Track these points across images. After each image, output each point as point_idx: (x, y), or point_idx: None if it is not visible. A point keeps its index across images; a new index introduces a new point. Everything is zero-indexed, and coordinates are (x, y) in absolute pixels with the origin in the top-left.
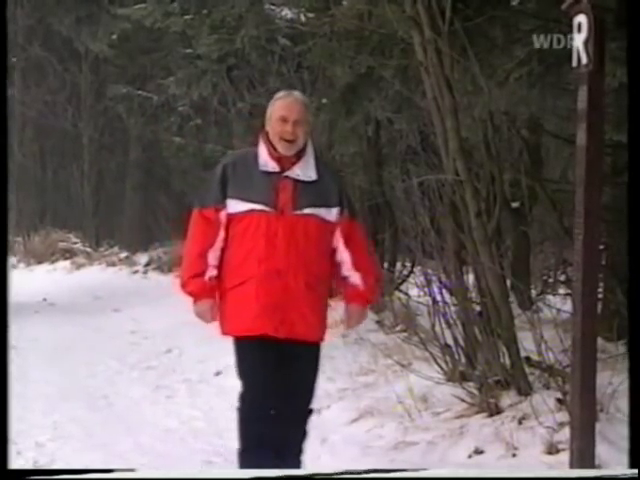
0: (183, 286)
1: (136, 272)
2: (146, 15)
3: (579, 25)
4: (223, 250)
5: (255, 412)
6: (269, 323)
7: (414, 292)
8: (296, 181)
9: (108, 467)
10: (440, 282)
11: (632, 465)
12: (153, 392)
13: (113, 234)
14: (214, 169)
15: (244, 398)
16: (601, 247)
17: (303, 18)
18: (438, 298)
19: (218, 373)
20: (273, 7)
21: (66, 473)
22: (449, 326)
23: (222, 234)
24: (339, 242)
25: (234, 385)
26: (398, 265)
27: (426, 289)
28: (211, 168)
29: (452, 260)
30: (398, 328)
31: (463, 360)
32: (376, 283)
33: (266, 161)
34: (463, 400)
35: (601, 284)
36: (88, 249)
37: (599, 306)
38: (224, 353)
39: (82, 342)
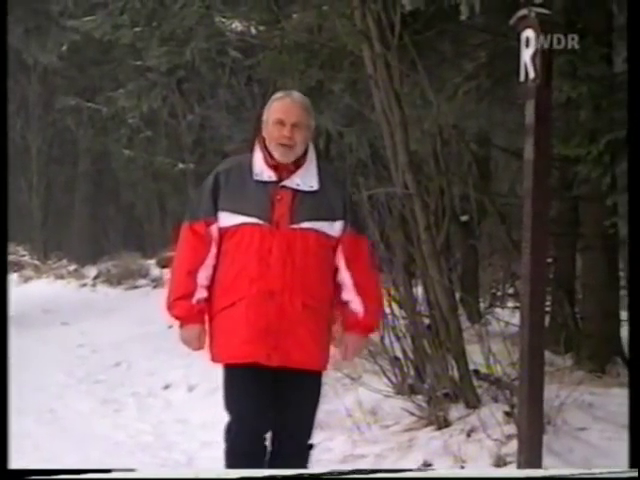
0: (169, 308)
1: (85, 285)
2: (95, 27)
3: (527, 40)
4: (214, 268)
5: (243, 447)
6: (260, 350)
7: None
8: (295, 191)
9: None
10: (389, 295)
11: (632, 465)
12: (101, 406)
13: (62, 246)
14: (206, 178)
15: (231, 429)
16: (549, 260)
17: (253, 31)
18: (387, 311)
19: (167, 386)
20: (223, 20)
21: (64, 473)
22: (398, 339)
23: (214, 250)
24: (340, 261)
25: (183, 398)
26: None
27: None
28: (161, 180)
29: (401, 273)
30: None
31: (412, 373)
32: (379, 309)
33: (262, 169)
34: (412, 413)
35: (549, 297)
36: (36, 262)
37: (547, 319)
38: (173, 366)
39: (30, 355)
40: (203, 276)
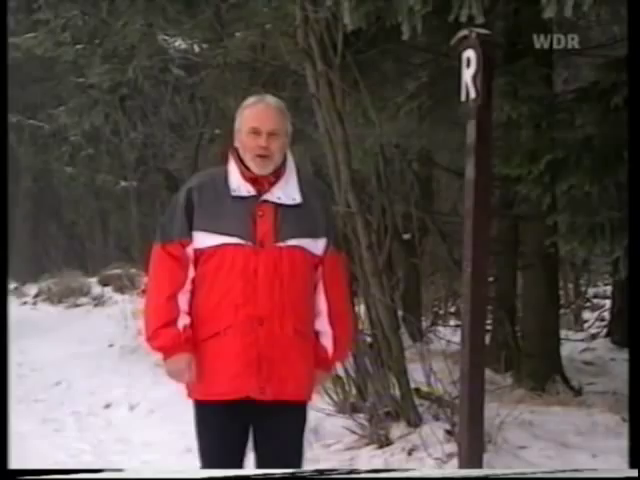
0: (150, 340)
1: (25, 303)
2: (37, 44)
3: (468, 60)
4: (192, 294)
5: None
6: (252, 383)
7: None
8: (277, 206)
9: None
10: None
11: (632, 465)
12: (41, 425)
13: None
14: (176, 195)
15: (205, 462)
16: (490, 279)
17: (197, 49)
18: None
19: (107, 405)
20: (166, 38)
21: (54, 473)
22: None
23: (191, 274)
24: (319, 284)
25: (123, 417)
26: None
27: None
28: (103, 198)
29: None
30: None
31: (354, 392)
32: (349, 343)
33: (239, 184)
34: (353, 432)
35: (490, 316)
36: None
37: (487, 337)
38: (113, 385)
39: None
40: (183, 301)
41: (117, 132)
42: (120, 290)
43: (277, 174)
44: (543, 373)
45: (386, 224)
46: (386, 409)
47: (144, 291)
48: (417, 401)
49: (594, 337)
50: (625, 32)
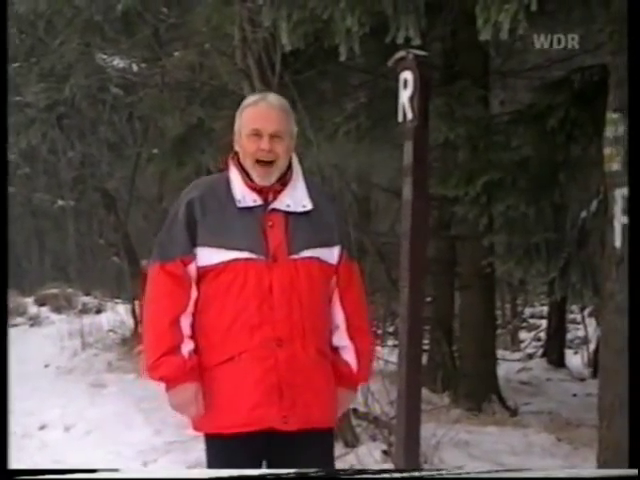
0: (151, 369)
1: None
2: None
3: (405, 81)
4: (195, 316)
5: None
6: (275, 413)
7: None
8: (287, 214)
9: None
10: None
11: (632, 465)
12: None
13: None
14: (174, 207)
15: None
16: (427, 299)
17: (135, 68)
18: None
19: (42, 427)
20: (104, 56)
21: (50, 473)
22: None
23: (194, 294)
24: (335, 295)
25: (58, 438)
26: None
27: None
28: (40, 217)
29: None
30: None
31: None
32: (373, 356)
33: (243, 194)
34: None
35: (427, 336)
36: None
37: (425, 358)
38: (49, 406)
39: None
40: (186, 325)
41: (54, 151)
42: (57, 310)
43: (283, 182)
44: (480, 393)
45: None
46: None
47: (135, 318)
48: (354, 421)
49: (530, 357)
50: (561, 54)
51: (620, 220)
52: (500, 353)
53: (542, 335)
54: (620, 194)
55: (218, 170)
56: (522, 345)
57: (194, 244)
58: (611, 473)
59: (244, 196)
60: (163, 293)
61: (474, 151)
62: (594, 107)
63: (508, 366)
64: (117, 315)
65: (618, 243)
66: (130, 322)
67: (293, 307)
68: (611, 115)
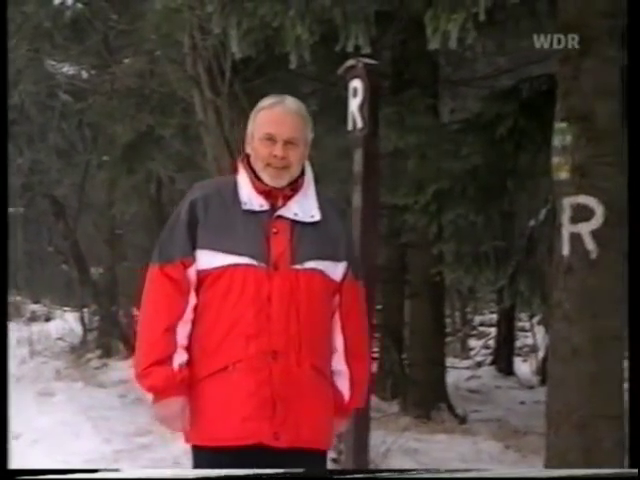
0: (140, 377)
1: None
2: None
3: (354, 90)
4: (193, 323)
5: None
6: (266, 428)
7: None
8: (294, 222)
9: None
10: None
11: (632, 465)
12: None
13: None
14: (176, 209)
15: None
16: (377, 307)
17: (85, 75)
18: None
19: None
20: (54, 63)
21: (51, 473)
22: None
23: (193, 301)
24: (336, 318)
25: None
26: None
27: None
28: None
29: None
30: None
31: None
32: (367, 384)
33: (250, 196)
34: None
35: (377, 344)
36: None
37: (374, 366)
38: None
39: None
40: (183, 334)
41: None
42: None
43: (294, 187)
44: (429, 401)
45: None
46: None
47: (130, 317)
48: None
49: (479, 365)
50: (510, 64)
51: (568, 229)
52: (449, 361)
53: (491, 343)
54: (568, 203)
55: (168, 178)
56: (471, 353)
57: (195, 246)
58: (611, 473)
59: (250, 199)
60: (160, 297)
61: (424, 159)
62: (542, 116)
63: (457, 374)
64: (66, 323)
65: (566, 251)
66: (79, 330)
67: (291, 319)
68: (559, 124)
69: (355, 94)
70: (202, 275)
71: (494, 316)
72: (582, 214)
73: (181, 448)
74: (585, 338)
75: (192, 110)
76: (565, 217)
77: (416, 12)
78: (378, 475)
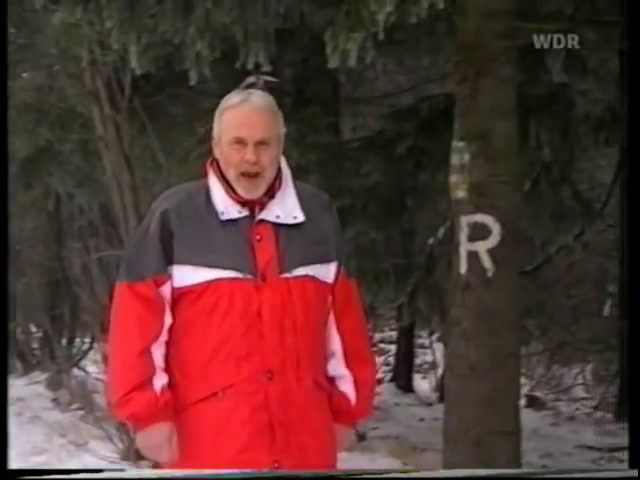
0: (118, 407)
1: None
2: None
3: None
4: (168, 346)
5: None
6: (265, 457)
7: (92, 369)
8: (277, 227)
9: None
10: None
11: (632, 465)
12: None
13: None
14: (145, 220)
15: None
16: None
17: None
18: None
19: None
20: None
21: (56, 473)
22: None
23: (169, 320)
24: (331, 319)
25: None
26: (77, 341)
27: (103, 366)
28: None
29: None
30: (75, 406)
31: None
32: (374, 387)
33: (226, 205)
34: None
35: None
36: None
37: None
38: None
39: None
40: (159, 355)
41: None
42: None
43: (271, 193)
44: None
45: None
46: None
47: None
48: None
49: (379, 382)
50: (409, 82)
51: (465, 247)
52: None
53: (391, 360)
54: (465, 221)
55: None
56: None
57: (169, 261)
58: (611, 473)
59: (227, 207)
60: (131, 319)
61: (325, 177)
62: (441, 135)
63: None
64: None
65: (463, 269)
66: None
67: (286, 334)
68: (457, 143)
69: None
70: (180, 292)
71: (394, 333)
72: (479, 232)
73: (78, 465)
74: (482, 355)
75: (91, 125)
76: (463, 235)
77: (316, 30)
78: (378, 475)
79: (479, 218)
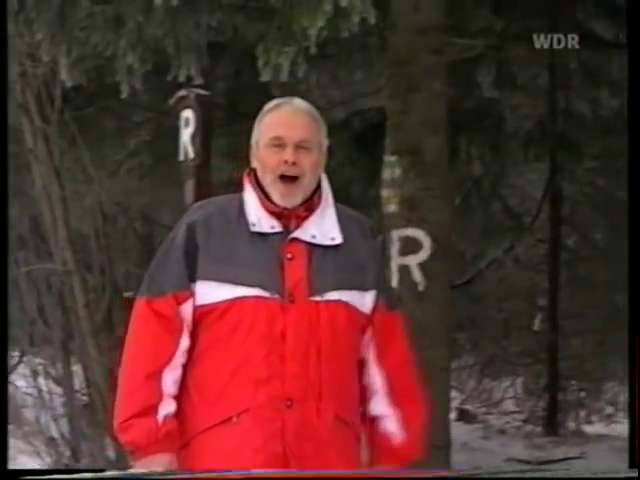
0: (119, 432)
1: None
2: None
3: (186, 120)
4: (186, 368)
5: None
6: None
7: (22, 383)
8: (311, 246)
9: None
10: (47, 373)
11: (632, 465)
12: None
13: None
14: (171, 233)
15: None
16: None
17: None
18: (44, 389)
19: None
20: None
21: (58, 472)
22: (55, 418)
23: (186, 343)
24: (370, 352)
25: None
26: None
27: (32, 380)
28: None
29: (59, 350)
30: None
31: (68, 453)
32: (423, 428)
33: (259, 217)
34: None
35: None
36: None
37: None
38: None
39: None
40: (170, 381)
41: None
42: None
43: (309, 206)
44: None
45: (104, 282)
46: (102, 469)
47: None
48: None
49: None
50: (342, 96)
51: (396, 261)
52: None
53: None
54: (397, 235)
55: None
56: None
57: (192, 278)
58: (611, 474)
59: (260, 219)
60: (145, 337)
61: None
62: (373, 149)
63: None
64: None
65: (394, 283)
66: None
67: (310, 360)
68: (388, 158)
69: (187, 124)
70: (203, 311)
71: None
72: (410, 246)
73: None
74: None
75: (21, 138)
76: (394, 249)
77: (249, 44)
78: (378, 475)
79: (410, 232)
